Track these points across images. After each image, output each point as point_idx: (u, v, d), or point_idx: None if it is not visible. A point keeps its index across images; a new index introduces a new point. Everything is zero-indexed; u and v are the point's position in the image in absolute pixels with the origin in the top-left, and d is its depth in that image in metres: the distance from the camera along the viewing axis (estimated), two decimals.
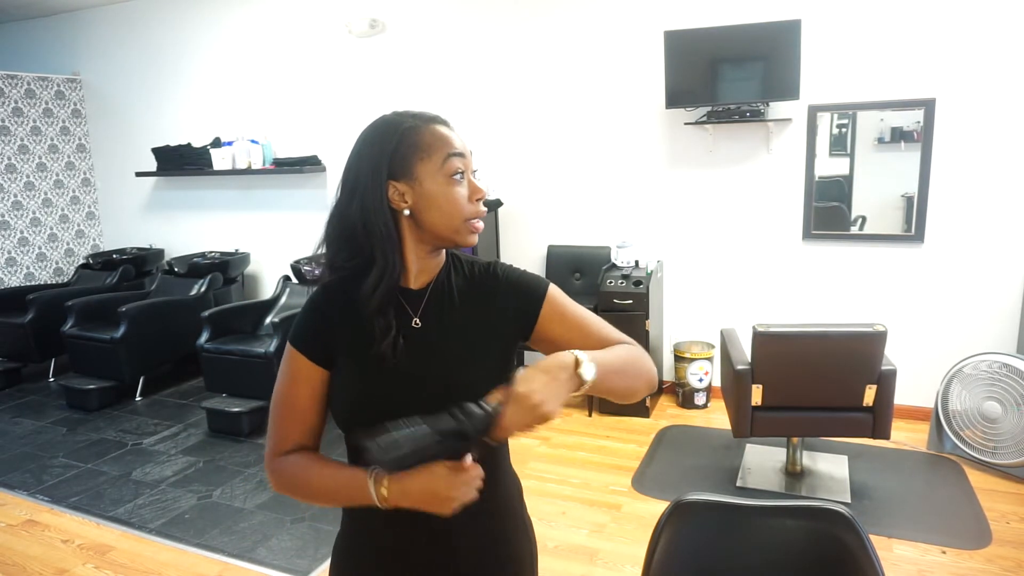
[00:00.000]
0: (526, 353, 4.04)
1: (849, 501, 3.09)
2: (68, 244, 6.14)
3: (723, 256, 4.27)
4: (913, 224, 3.81)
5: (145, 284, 5.64)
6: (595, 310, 4.08)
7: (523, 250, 4.72)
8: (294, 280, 4.94)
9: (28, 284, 5.71)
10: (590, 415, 4.20)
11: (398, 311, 1.11)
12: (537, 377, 0.97)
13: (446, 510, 0.99)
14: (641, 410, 4.15)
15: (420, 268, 1.13)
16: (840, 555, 1.29)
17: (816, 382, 3.00)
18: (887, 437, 3.04)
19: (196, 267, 5.23)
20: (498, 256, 4.68)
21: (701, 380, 4.23)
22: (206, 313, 4.44)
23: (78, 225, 6.20)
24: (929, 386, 3.72)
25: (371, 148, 1.08)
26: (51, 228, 6.00)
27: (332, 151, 5.18)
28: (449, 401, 0.99)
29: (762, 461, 3.50)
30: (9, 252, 5.73)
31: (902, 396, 3.47)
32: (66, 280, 5.94)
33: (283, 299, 4.86)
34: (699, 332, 4.40)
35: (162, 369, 5.11)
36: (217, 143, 5.44)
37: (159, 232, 6.06)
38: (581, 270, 4.57)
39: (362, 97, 4.98)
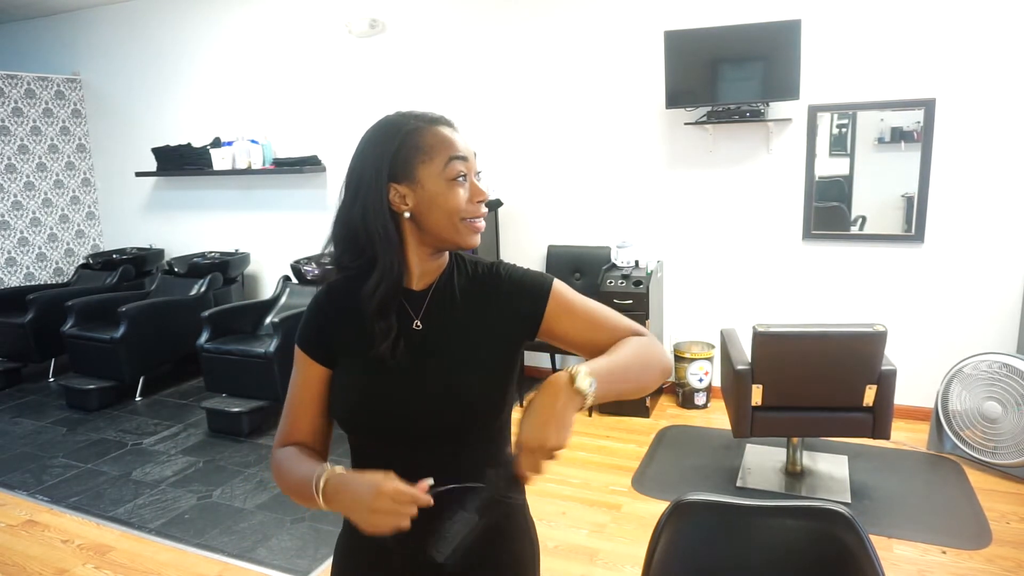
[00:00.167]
0: (526, 353, 4.04)
1: (849, 501, 3.09)
2: (68, 244, 6.14)
3: (723, 256, 4.27)
4: (913, 224, 3.81)
5: (145, 284, 5.64)
6: None
7: (523, 250, 4.72)
8: (294, 280, 4.94)
9: (28, 284, 5.71)
10: (590, 415, 4.20)
11: (400, 312, 1.11)
12: (536, 415, 0.94)
13: (366, 528, 0.94)
14: (641, 410, 4.15)
15: (422, 270, 1.13)
16: (840, 555, 1.29)
17: (816, 382, 3.00)
18: (887, 437, 3.04)
19: (196, 267, 5.23)
20: (498, 256, 4.68)
21: (701, 380, 4.23)
22: (206, 313, 4.44)
23: (78, 225, 6.21)
24: (929, 386, 3.72)
25: (373, 149, 1.08)
26: (51, 228, 6.00)
27: (332, 151, 5.18)
28: (448, 402, 0.98)
29: (762, 461, 3.50)
30: (9, 252, 5.73)
31: (902, 396, 3.47)
32: (66, 280, 5.94)
33: (283, 299, 4.86)
34: (699, 332, 4.40)
35: (162, 369, 5.11)
36: (217, 143, 5.44)
37: (159, 232, 6.07)
38: (581, 270, 4.57)
39: (362, 97, 4.98)
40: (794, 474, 3.34)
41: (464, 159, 1.08)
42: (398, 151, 1.06)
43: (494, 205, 4.56)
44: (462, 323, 1.12)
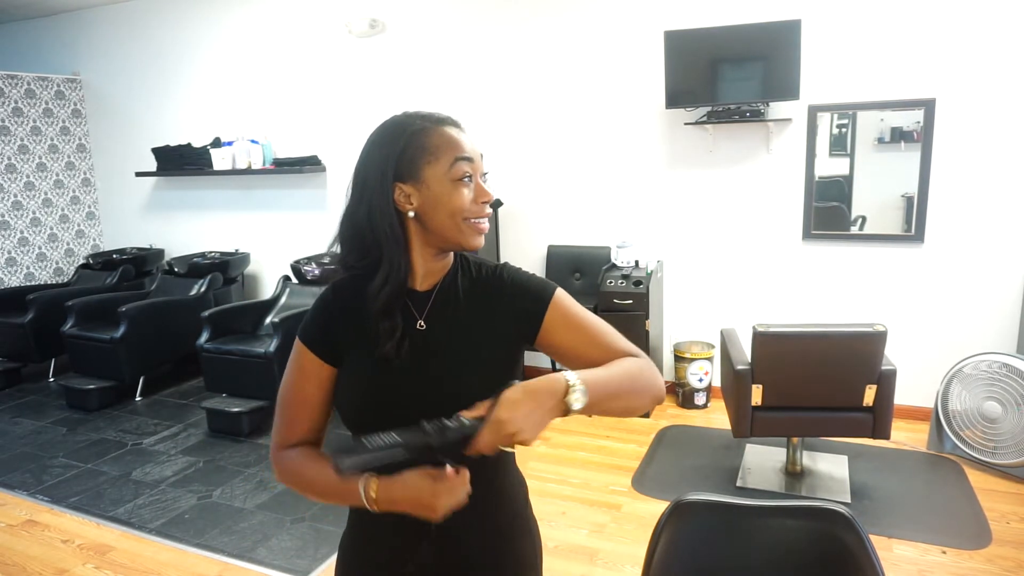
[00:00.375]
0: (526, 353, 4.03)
1: (849, 501, 3.09)
2: (68, 244, 6.14)
3: (723, 256, 4.27)
4: (913, 224, 3.81)
5: (145, 284, 5.64)
6: (595, 310, 4.08)
7: (523, 250, 4.72)
8: (294, 280, 4.94)
9: (28, 284, 5.71)
10: (590, 415, 4.19)
11: (404, 312, 1.11)
12: (522, 403, 0.94)
13: (433, 516, 1.00)
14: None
15: (427, 270, 1.13)
16: (840, 555, 1.29)
17: (816, 382, 3.00)
18: (887, 437, 3.04)
19: (196, 267, 5.23)
20: (498, 256, 4.68)
21: (701, 380, 4.23)
22: (206, 313, 4.44)
23: (78, 225, 6.21)
24: (929, 386, 3.72)
25: (379, 150, 1.08)
26: (51, 228, 6.00)
27: (332, 151, 5.18)
28: (451, 402, 0.99)
29: (762, 461, 3.50)
30: (9, 252, 5.73)
31: (902, 396, 3.47)
32: (66, 280, 5.94)
33: (283, 299, 4.86)
34: (699, 332, 4.40)
35: (162, 369, 5.11)
36: (217, 143, 5.44)
37: (159, 232, 6.07)
38: (581, 270, 4.57)
39: (362, 97, 4.98)
40: (794, 474, 3.34)
41: (470, 160, 1.08)
42: (404, 151, 1.06)
43: (494, 205, 4.56)
44: (465, 324, 1.12)
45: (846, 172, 3.93)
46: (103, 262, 5.70)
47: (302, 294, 4.79)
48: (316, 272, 4.74)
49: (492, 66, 4.61)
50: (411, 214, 1.08)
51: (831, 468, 3.39)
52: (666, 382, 4.48)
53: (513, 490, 1.21)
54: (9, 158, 5.66)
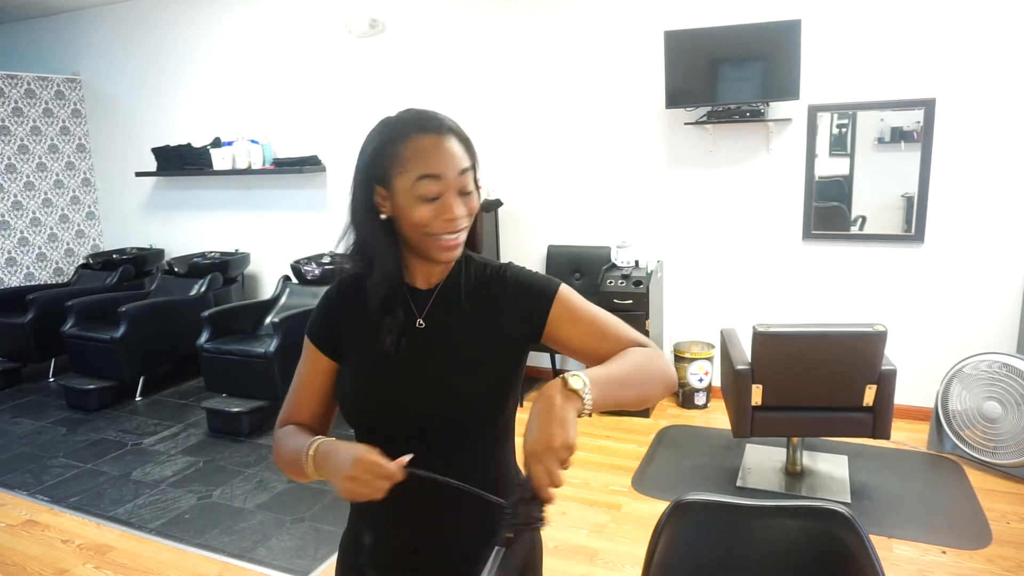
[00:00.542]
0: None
1: (849, 501, 3.09)
2: (68, 244, 6.14)
3: (723, 256, 4.27)
4: (913, 224, 3.81)
5: (145, 284, 5.64)
6: None
7: (523, 250, 4.72)
8: (294, 280, 4.94)
9: (28, 284, 5.71)
10: (590, 415, 4.19)
11: (405, 310, 1.12)
12: (535, 425, 0.92)
13: (343, 495, 0.98)
14: (641, 410, 4.15)
15: (427, 269, 1.13)
16: (840, 555, 1.29)
17: (816, 382, 3.00)
18: (887, 437, 3.04)
19: (196, 267, 5.23)
20: (498, 256, 4.68)
21: (701, 380, 4.23)
22: (206, 313, 4.44)
23: (78, 225, 6.21)
24: (929, 386, 3.72)
25: (365, 150, 1.08)
26: (51, 228, 6.00)
27: (332, 151, 5.18)
28: (450, 401, 0.99)
29: (762, 461, 3.50)
30: (9, 252, 5.73)
31: (902, 396, 3.47)
32: (66, 280, 5.94)
33: (283, 299, 4.86)
34: (699, 332, 4.40)
35: (162, 369, 5.11)
36: (217, 143, 5.44)
37: (159, 232, 6.07)
38: (581, 270, 4.57)
39: (362, 97, 4.98)
40: (794, 474, 3.34)
41: (436, 178, 1.02)
42: (382, 155, 1.05)
43: (494, 205, 4.56)
44: (466, 323, 1.12)
45: (846, 172, 3.93)
46: (103, 262, 5.70)
47: (302, 294, 4.79)
48: (316, 272, 4.73)
49: (492, 66, 4.61)
50: (383, 216, 1.07)
51: (831, 468, 3.39)
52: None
53: (512, 488, 1.20)
54: (9, 158, 5.66)
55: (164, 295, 5.22)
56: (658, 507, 2.32)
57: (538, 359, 4.73)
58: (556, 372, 4.59)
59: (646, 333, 4.00)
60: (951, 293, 3.81)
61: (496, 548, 0.93)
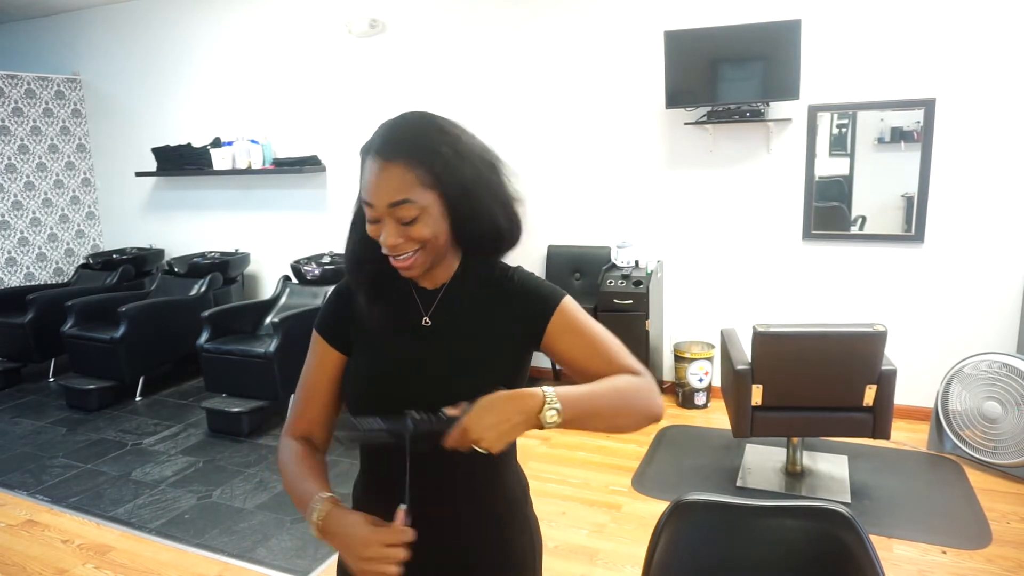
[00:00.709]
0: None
1: (849, 501, 3.09)
2: (68, 244, 6.14)
3: (723, 256, 4.27)
4: (913, 224, 3.81)
5: (145, 284, 5.64)
6: (595, 311, 4.08)
7: (523, 250, 4.59)
8: (294, 280, 4.94)
9: (28, 284, 5.71)
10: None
11: (411, 308, 1.14)
12: (489, 413, 0.94)
13: (353, 565, 0.99)
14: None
15: (432, 269, 1.13)
16: (840, 555, 1.29)
17: (816, 382, 3.00)
18: (887, 437, 3.04)
19: (196, 267, 5.23)
20: None
21: (701, 380, 4.23)
22: (206, 313, 4.44)
23: (78, 225, 6.21)
24: (929, 386, 3.72)
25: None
26: (51, 228, 6.00)
27: (332, 151, 5.18)
28: (452, 401, 0.99)
29: (762, 461, 3.50)
30: (9, 252, 5.73)
31: (902, 396, 3.47)
32: (66, 280, 5.94)
33: (283, 299, 4.86)
34: (699, 332, 4.40)
35: (162, 369, 5.11)
36: (217, 143, 5.44)
37: (159, 232, 6.07)
38: (581, 270, 4.57)
39: (362, 97, 4.98)
40: (794, 474, 3.34)
41: (370, 205, 1.03)
42: (361, 166, 1.07)
43: None
44: (469, 323, 1.13)
45: (846, 172, 3.93)
46: (103, 262, 5.70)
47: (302, 294, 4.79)
48: (316, 272, 4.73)
49: (492, 66, 4.61)
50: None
51: (831, 468, 3.39)
52: (666, 382, 4.48)
53: (511, 485, 1.21)
54: (9, 158, 5.66)
55: (164, 295, 5.22)
56: (658, 507, 2.33)
57: (540, 359, 4.72)
58: (556, 373, 4.59)
59: (646, 333, 4.02)
60: (951, 293, 3.81)
61: (381, 427, 0.98)
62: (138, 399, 4.80)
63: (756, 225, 4.16)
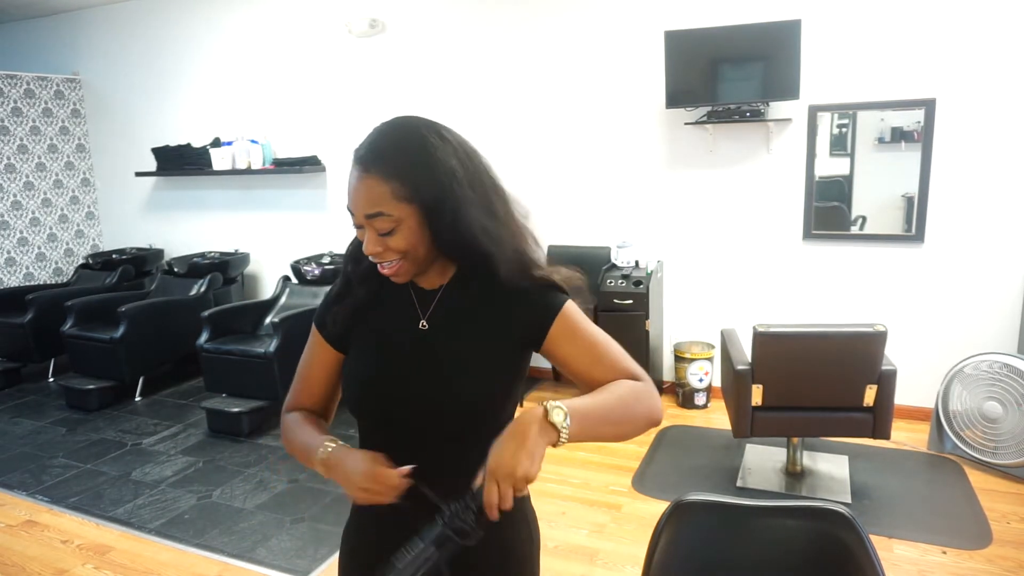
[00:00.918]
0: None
1: (849, 501, 3.09)
2: (68, 244, 6.14)
3: (723, 256, 4.27)
4: (913, 224, 3.81)
5: (145, 284, 5.64)
6: (595, 310, 4.08)
7: None
8: (294, 280, 4.94)
9: (28, 284, 5.71)
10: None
11: (409, 309, 1.13)
12: (504, 446, 0.93)
13: (354, 497, 1.04)
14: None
15: (431, 270, 1.13)
16: (840, 555, 1.29)
17: (816, 382, 3.00)
18: (887, 437, 3.04)
19: (196, 267, 5.23)
20: None
21: (701, 380, 4.23)
22: (206, 313, 4.44)
23: (77, 225, 6.20)
24: (929, 386, 3.72)
25: None
26: (50, 228, 6.00)
27: (332, 151, 5.18)
28: (449, 401, 0.99)
29: (762, 461, 3.49)
30: (9, 252, 5.73)
31: (902, 396, 3.47)
32: (66, 280, 5.94)
33: (283, 299, 4.86)
34: (699, 332, 4.40)
35: (162, 369, 5.11)
36: (217, 143, 5.44)
37: (159, 232, 6.06)
38: (581, 270, 4.56)
39: (362, 97, 4.98)
40: (794, 474, 3.34)
41: (351, 212, 1.04)
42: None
43: None
44: (468, 324, 1.12)
45: (846, 172, 3.92)
46: (103, 262, 5.70)
47: (302, 294, 4.79)
48: (316, 272, 4.73)
49: (492, 66, 4.61)
50: None
51: (831, 468, 3.39)
52: (666, 382, 4.48)
53: (464, 492, 1.21)
54: (8, 158, 5.66)
55: (164, 295, 5.22)
56: (658, 507, 2.32)
57: (538, 359, 4.72)
58: (556, 373, 4.59)
59: (646, 333, 4.02)
60: (951, 293, 3.81)
61: (421, 546, 0.94)
62: (138, 399, 4.80)
63: (756, 225, 4.16)
